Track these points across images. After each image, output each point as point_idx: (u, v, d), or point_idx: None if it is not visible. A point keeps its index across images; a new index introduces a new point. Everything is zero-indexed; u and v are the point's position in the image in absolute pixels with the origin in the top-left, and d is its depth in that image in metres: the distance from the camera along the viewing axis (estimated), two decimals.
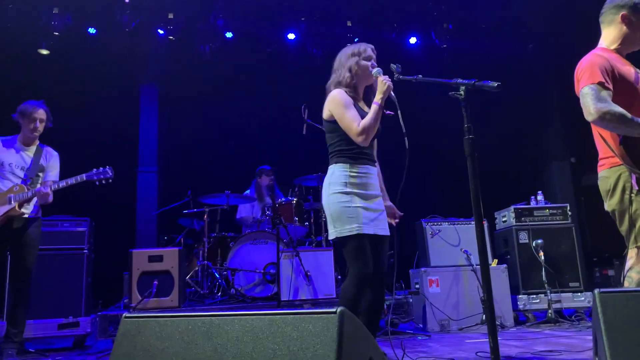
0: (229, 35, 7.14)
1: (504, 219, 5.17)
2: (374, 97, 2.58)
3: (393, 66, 2.43)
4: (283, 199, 5.50)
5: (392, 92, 2.50)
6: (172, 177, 7.09)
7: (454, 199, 7.10)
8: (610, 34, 2.71)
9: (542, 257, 4.67)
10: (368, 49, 2.68)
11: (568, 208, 5.07)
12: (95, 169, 3.62)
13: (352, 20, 7.15)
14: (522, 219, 4.95)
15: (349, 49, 2.71)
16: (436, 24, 7.33)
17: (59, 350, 4.10)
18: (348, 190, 2.51)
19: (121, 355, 1.36)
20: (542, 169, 7.63)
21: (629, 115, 2.40)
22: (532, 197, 5.17)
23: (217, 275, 5.22)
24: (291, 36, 7.23)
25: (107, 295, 5.83)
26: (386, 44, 7.25)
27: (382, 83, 2.50)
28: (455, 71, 2.25)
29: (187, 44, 7.03)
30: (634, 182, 2.45)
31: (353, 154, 2.56)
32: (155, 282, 4.41)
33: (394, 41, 7.37)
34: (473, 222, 4.90)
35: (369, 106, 2.59)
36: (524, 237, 4.88)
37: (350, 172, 2.54)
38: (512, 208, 5.00)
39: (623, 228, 2.54)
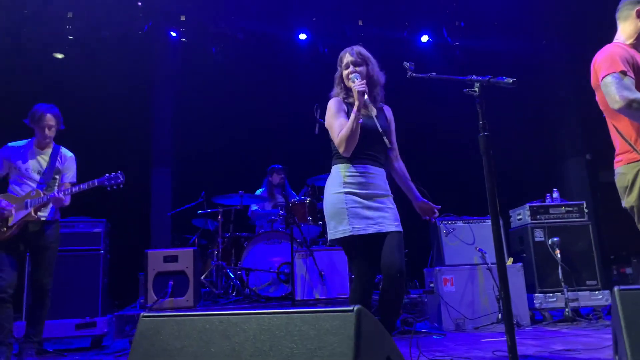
0: (240, 36, 7.17)
1: (519, 217, 5.12)
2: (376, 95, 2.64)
3: (406, 64, 2.41)
4: (296, 199, 5.50)
5: (366, 97, 2.48)
6: (185, 178, 7.13)
7: (468, 197, 7.05)
8: (626, 29, 2.68)
9: (559, 255, 4.62)
10: (346, 54, 2.65)
11: (584, 205, 5.01)
12: (107, 175, 3.62)
13: (363, 20, 7.14)
14: (538, 216, 4.90)
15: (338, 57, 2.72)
16: (448, 22, 7.30)
17: (77, 350, 4.15)
18: (343, 190, 2.52)
19: (140, 354, 1.37)
20: (557, 166, 7.54)
21: None
22: (548, 194, 5.11)
23: (232, 275, 5.24)
24: (302, 36, 7.25)
25: (123, 295, 5.89)
26: (398, 43, 7.24)
27: (354, 90, 2.50)
28: (467, 69, 2.25)
29: (200, 45, 7.08)
30: None
31: (353, 154, 2.56)
32: (171, 282, 4.44)
33: (406, 39, 7.35)
34: (488, 221, 4.87)
35: (369, 108, 2.58)
36: (539, 235, 4.83)
37: (346, 172, 2.55)
38: (527, 206, 4.95)
39: None
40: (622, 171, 2.58)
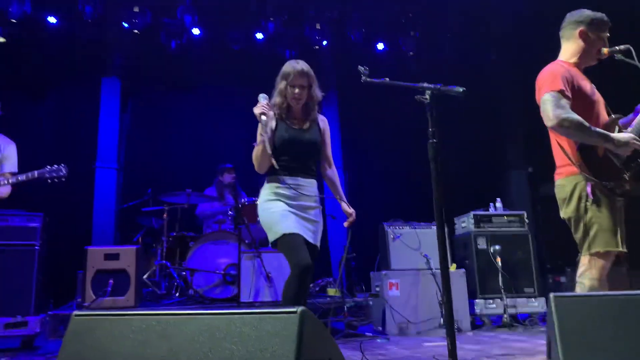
0: (196, 32, 7.03)
1: (463, 225, 5.26)
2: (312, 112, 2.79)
3: (361, 68, 2.43)
4: (246, 200, 5.43)
5: (262, 117, 2.62)
6: (133, 175, 6.90)
7: (415, 202, 7.19)
8: (569, 48, 2.82)
9: (499, 263, 4.78)
10: (296, 74, 2.71)
11: (525, 215, 5.21)
12: (48, 167, 3.46)
13: (320, 23, 7.16)
14: (481, 224, 5.06)
15: (282, 70, 2.80)
16: (403, 32, 7.43)
17: (5, 351, 3.92)
18: (274, 198, 2.66)
19: (70, 354, 1.30)
20: (501, 177, 7.82)
21: (586, 123, 2.49)
22: (491, 204, 5.29)
23: (176, 276, 5.10)
24: (259, 36, 7.18)
25: (60, 294, 5.61)
26: (354, 48, 7.29)
27: (255, 113, 2.65)
28: (420, 78, 2.27)
29: (153, 38, 6.87)
30: (589, 191, 2.53)
31: (283, 166, 2.69)
32: (111, 281, 4.27)
33: (362, 46, 7.41)
34: (434, 227, 4.98)
35: (307, 122, 2.77)
36: (482, 243, 4.98)
37: (277, 183, 2.69)
38: (471, 214, 5.10)
39: (578, 235, 2.62)
40: (562, 183, 2.69)
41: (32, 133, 6.43)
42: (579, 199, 2.57)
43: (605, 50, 2.75)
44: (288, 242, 2.56)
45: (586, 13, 2.77)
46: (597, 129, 2.52)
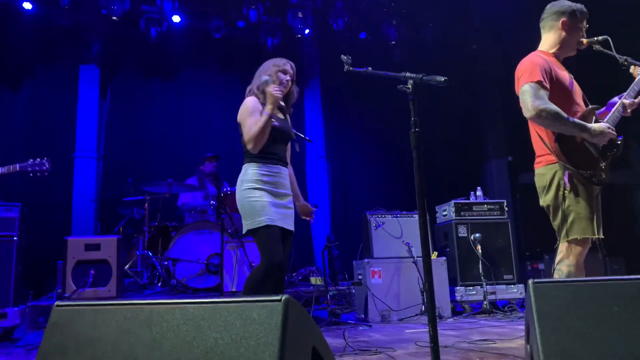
0: (176, 19, 6.93)
1: (444, 213, 5.33)
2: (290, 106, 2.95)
3: (344, 57, 2.43)
4: (228, 189, 5.41)
5: (281, 102, 2.74)
6: (113, 164, 6.80)
7: (398, 192, 7.25)
8: (549, 38, 2.86)
9: (480, 251, 4.86)
10: (287, 65, 2.89)
11: (505, 204, 5.29)
12: (31, 160, 3.43)
13: (303, 12, 7.11)
14: (462, 213, 5.12)
15: (272, 61, 2.93)
16: (385, 21, 7.42)
17: None
18: (258, 186, 2.70)
19: (52, 345, 1.29)
20: (482, 166, 7.92)
21: (564, 114, 2.54)
22: (472, 192, 5.35)
23: (158, 266, 5.08)
24: (241, 24, 7.10)
25: (40, 285, 5.54)
26: (336, 37, 7.26)
27: (270, 94, 2.71)
28: (403, 68, 2.28)
29: (132, 25, 6.75)
30: (566, 179, 2.58)
31: (263, 154, 2.75)
32: (92, 272, 4.23)
33: (344, 35, 7.39)
34: (415, 215, 5.03)
35: (284, 113, 2.93)
36: (463, 231, 5.05)
37: (261, 171, 2.73)
38: (452, 202, 5.16)
39: (556, 223, 2.67)
40: (541, 172, 2.74)
41: (7, 122, 6.30)
42: (558, 187, 2.63)
43: (584, 40, 2.80)
44: (267, 234, 2.63)
45: (567, 4, 2.81)
46: (574, 120, 2.57)
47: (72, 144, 6.61)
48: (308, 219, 3.07)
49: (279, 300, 1.18)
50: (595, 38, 2.79)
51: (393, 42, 7.43)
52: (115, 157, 6.82)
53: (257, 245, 2.70)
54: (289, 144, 2.96)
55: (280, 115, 2.89)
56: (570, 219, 2.59)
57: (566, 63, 2.88)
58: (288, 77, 2.88)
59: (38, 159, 3.48)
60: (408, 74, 2.15)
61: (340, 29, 7.18)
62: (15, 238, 4.11)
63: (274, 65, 2.89)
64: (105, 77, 6.96)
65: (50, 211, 6.15)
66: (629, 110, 2.76)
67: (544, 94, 2.57)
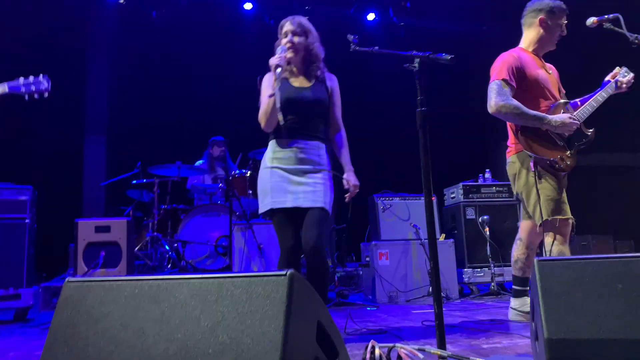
0: (182, 1, 6.91)
1: (452, 195, 5.32)
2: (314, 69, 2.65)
3: (350, 37, 2.42)
4: (237, 172, 5.44)
5: (278, 69, 2.43)
6: (122, 147, 6.86)
7: (406, 174, 7.23)
8: (529, 35, 3.04)
9: (488, 233, 4.85)
10: (287, 23, 2.65)
11: None
12: (22, 78, 2.87)
13: None
14: (470, 195, 5.11)
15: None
16: (394, 2, 7.35)
17: None
18: (270, 165, 2.57)
19: (63, 320, 1.32)
20: (490, 148, 7.87)
21: (523, 108, 2.77)
22: (480, 174, 5.33)
23: (167, 248, 5.14)
24: (248, 6, 7.08)
25: (52, 267, 5.65)
26: (344, 19, 7.21)
27: (270, 63, 2.49)
28: (411, 49, 2.26)
29: (139, 8, 6.75)
30: (532, 165, 2.81)
31: (284, 129, 2.55)
32: (103, 253, 4.29)
33: (352, 16, 7.34)
34: (423, 198, 5.01)
35: (310, 79, 2.65)
36: (471, 213, 5.04)
37: (276, 148, 2.60)
38: (460, 185, 5.15)
39: (529, 208, 2.87)
40: (512, 160, 3.00)
41: (19, 108, 6.34)
42: (527, 173, 2.86)
43: (594, 19, 2.85)
44: (275, 219, 2.56)
45: (546, 1, 2.97)
46: (535, 113, 2.79)
47: (82, 128, 6.66)
48: (347, 198, 2.72)
49: (284, 275, 1.20)
50: (606, 16, 2.82)
51: (402, 24, 7.37)
52: (124, 140, 6.87)
53: None
54: (318, 111, 2.62)
55: (304, 84, 2.61)
56: (541, 202, 2.77)
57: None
58: (290, 38, 2.59)
59: (32, 77, 2.94)
60: (414, 53, 2.14)
61: (348, 11, 7.13)
62: (27, 220, 4.17)
63: (279, 33, 2.67)
64: (114, 60, 6.97)
65: (61, 194, 6.22)
66: (624, 86, 2.97)
67: (507, 90, 2.80)
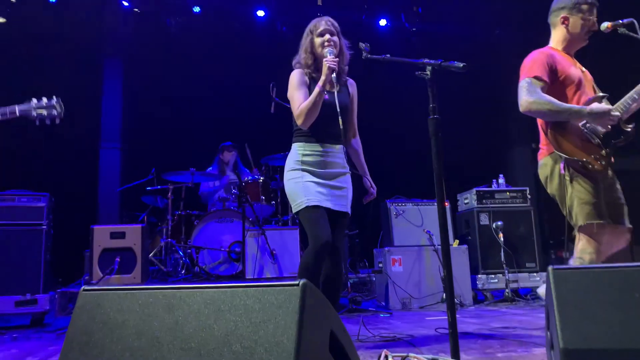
0: (196, 9, 6.98)
1: (466, 201, 5.29)
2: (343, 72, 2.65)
3: (362, 45, 2.42)
4: (250, 178, 5.46)
5: (333, 75, 2.48)
6: (136, 154, 6.93)
7: (419, 180, 7.20)
8: (556, 35, 2.94)
9: (502, 239, 4.81)
10: (322, 22, 2.64)
11: (528, 191, 5.22)
12: (35, 100, 2.76)
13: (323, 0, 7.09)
14: (484, 201, 5.08)
15: (308, 27, 2.69)
16: (406, 7, 7.35)
17: (16, 328, 4.01)
18: (299, 167, 2.57)
19: (79, 328, 1.34)
20: (504, 154, 7.81)
21: (556, 101, 2.60)
22: (494, 180, 5.30)
23: (181, 253, 5.18)
24: (260, 13, 7.13)
25: (68, 272, 5.71)
26: (356, 25, 7.23)
27: (324, 65, 2.49)
28: (423, 55, 2.26)
29: (153, 17, 6.83)
30: (562, 167, 2.65)
31: (307, 133, 2.60)
32: (117, 259, 4.34)
33: (364, 22, 7.35)
34: (436, 203, 4.99)
35: (339, 83, 2.63)
36: (484, 219, 5.01)
37: (304, 151, 2.60)
38: (474, 190, 5.12)
39: (564, 211, 2.73)
40: (544, 162, 2.83)
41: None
42: (559, 176, 2.70)
43: (608, 24, 2.79)
44: (309, 215, 2.49)
45: None
46: (569, 105, 2.62)
47: (97, 135, 6.75)
48: (365, 201, 2.85)
49: (297, 285, 1.20)
50: (620, 21, 2.76)
51: (414, 29, 7.36)
52: (138, 147, 6.94)
53: (305, 228, 2.54)
54: (344, 116, 2.57)
55: (334, 88, 2.58)
56: (575, 206, 2.62)
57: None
58: (328, 37, 2.58)
59: (45, 99, 2.81)
60: (426, 60, 2.13)
61: (360, 17, 7.15)
62: (44, 227, 4.23)
63: (307, 34, 2.65)
64: (128, 68, 7.06)
65: (77, 200, 6.29)
66: None
67: (538, 88, 2.64)
